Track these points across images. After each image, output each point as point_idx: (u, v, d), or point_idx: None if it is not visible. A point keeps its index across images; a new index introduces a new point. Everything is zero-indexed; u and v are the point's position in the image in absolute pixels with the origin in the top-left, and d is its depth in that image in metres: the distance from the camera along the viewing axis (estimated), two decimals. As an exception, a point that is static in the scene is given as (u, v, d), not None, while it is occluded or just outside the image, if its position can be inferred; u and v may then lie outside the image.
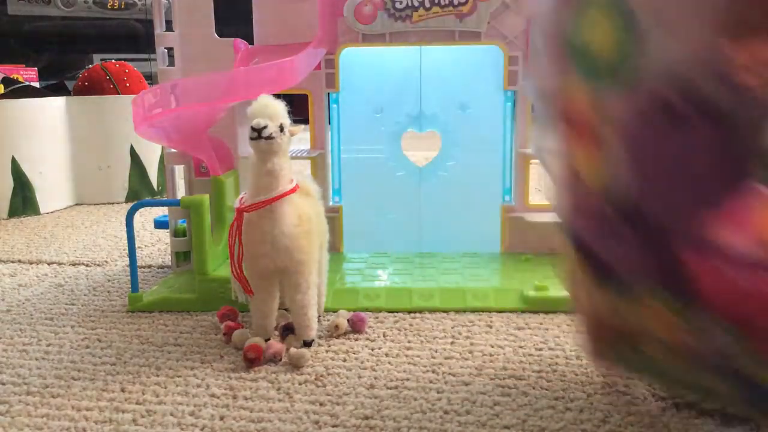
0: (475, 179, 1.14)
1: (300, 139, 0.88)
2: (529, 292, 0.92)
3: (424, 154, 2.07)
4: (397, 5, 1.06)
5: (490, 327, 0.85)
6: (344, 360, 0.76)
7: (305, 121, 1.09)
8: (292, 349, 0.76)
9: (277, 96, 0.77)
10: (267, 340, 0.78)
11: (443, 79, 1.13)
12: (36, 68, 2.67)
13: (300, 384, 0.71)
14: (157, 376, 0.74)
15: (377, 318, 0.89)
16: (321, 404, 0.67)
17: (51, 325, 0.89)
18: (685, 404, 0.65)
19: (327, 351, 0.79)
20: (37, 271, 1.15)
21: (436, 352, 0.78)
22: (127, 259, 1.10)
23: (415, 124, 1.15)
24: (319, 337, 0.82)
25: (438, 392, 0.69)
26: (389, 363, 0.75)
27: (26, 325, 0.89)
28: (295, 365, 0.75)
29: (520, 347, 0.79)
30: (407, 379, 0.71)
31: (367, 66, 1.13)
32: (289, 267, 0.77)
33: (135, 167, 1.77)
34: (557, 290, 0.92)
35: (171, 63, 1.05)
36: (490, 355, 0.77)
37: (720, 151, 0.44)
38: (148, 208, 1.60)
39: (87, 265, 1.18)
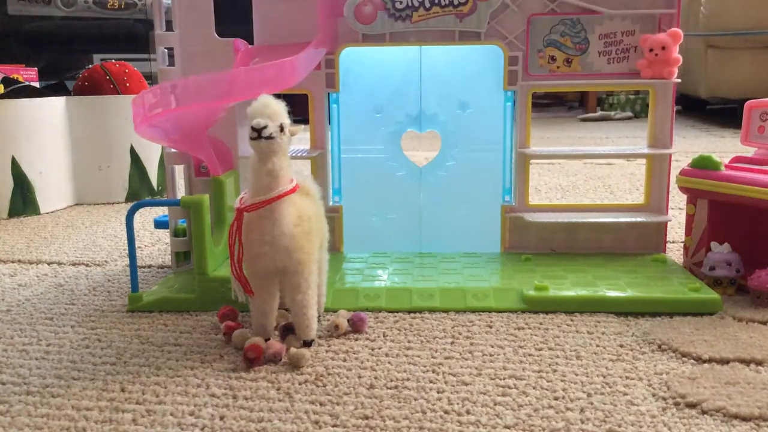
0: (475, 179, 1.14)
1: (300, 139, 0.88)
2: (529, 292, 0.92)
3: (424, 154, 2.08)
4: (397, 5, 1.06)
5: (490, 327, 0.85)
6: (344, 360, 0.76)
7: (305, 121, 1.09)
8: (292, 349, 0.76)
9: (277, 96, 0.77)
10: (267, 340, 0.78)
11: (443, 79, 1.13)
12: (36, 68, 2.67)
13: (300, 384, 0.71)
14: (157, 376, 0.74)
15: (377, 318, 0.89)
16: (321, 404, 0.67)
17: (51, 325, 0.89)
18: (686, 404, 0.65)
19: (327, 351, 0.79)
20: (37, 271, 1.15)
21: (436, 352, 0.78)
22: (127, 259, 1.10)
23: (415, 124, 1.15)
24: (319, 337, 0.82)
25: (438, 392, 0.69)
26: (389, 363, 0.75)
27: (26, 325, 0.89)
28: (295, 365, 0.75)
29: (520, 347, 0.79)
30: (407, 379, 0.71)
31: (367, 66, 1.13)
32: (288, 267, 0.77)
33: (135, 167, 1.77)
34: (557, 290, 0.93)
35: (171, 63, 1.05)
36: (490, 355, 0.77)
37: None
38: (148, 208, 1.60)
39: (87, 265, 1.18)
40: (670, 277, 0.98)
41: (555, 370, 0.73)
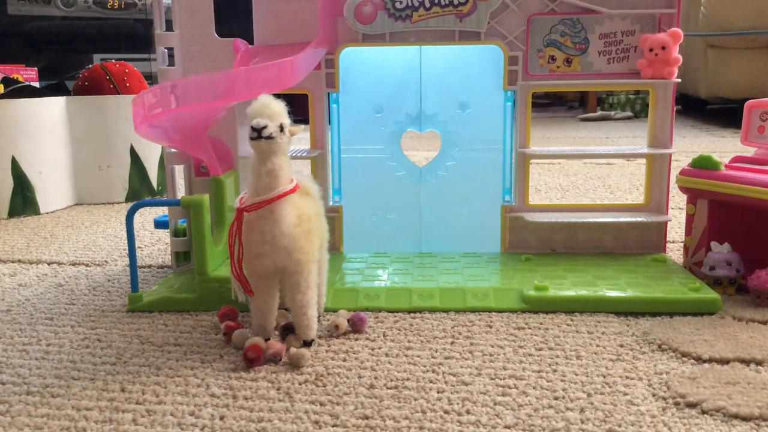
0: (475, 179, 1.14)
1: (300, 139, 0.88)
2: (529, 292, 0.92)
3: (424, 154, 2.08)
4: (397, 5, 1.06)
5: (490, 327, 0.85)
6: (344, 360, 0.76)
7: (305, 121, 1.09)
8: (292, 349, 0.76)
9: (277, 96, 0.77)
10: (267, 340, 0.78)
11: (443, 79, 1.13)
12: (36, 68, 2.67)
13: (300, 384, 0.71)
14: (157, 376, 0.74)
15: (377, 318, 0.89)
16: (321, 404, 0.67)
17: (51, 325, 0.89)
18: (686, 404, 0.65)
19: (327, 351, 0.79)
20: (37, 271, 1.15)
21: (436, 352, 0.78)
22: (127, 259, 1.10)
23: (415, 124, 1.15)
24: (319, 337, 0.82)
25: (438, 392, 0.69)
26: (389, 363, 0.75)
27: (26, 325, 0.89)
28: (295, 365, 0.75)
29: (520, 347, 0.79)
30: (407, 379, 0.71)
31: (367, 66, 1.13)
32: (288, 267, 0.77)
33: (135, 167, 1.77)
34: (557, 290, 0.93)
35: (171, 63, 1.05)
36: (490, 355, 0.77)
37: None
38: (148, 208, 1.60)
39: (87, 265, 1.18)
40: (670, 277, 0.98)
41: (555, 370, 0.73)
